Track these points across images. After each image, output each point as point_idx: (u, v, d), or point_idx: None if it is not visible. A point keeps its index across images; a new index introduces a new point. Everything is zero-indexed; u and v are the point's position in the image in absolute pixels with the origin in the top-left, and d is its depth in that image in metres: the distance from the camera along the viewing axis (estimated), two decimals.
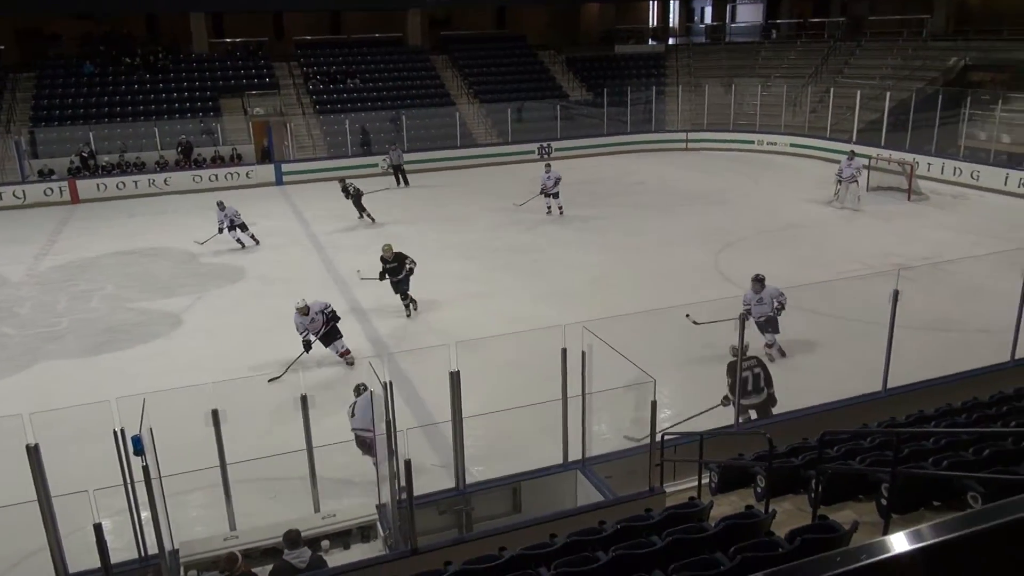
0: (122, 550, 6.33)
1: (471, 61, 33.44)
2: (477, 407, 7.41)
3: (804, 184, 22.96)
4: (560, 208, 20.13)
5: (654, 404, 6.67)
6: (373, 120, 29.08)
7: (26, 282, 16.37)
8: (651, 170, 26.22)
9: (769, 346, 11.03)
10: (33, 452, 5.79)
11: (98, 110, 27.80)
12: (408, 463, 5.66)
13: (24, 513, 6.41)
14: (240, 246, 18.25)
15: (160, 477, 6.27)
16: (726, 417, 8.46)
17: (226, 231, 18.16)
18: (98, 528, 5.02)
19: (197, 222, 20.54)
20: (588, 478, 7.16)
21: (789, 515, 6.08)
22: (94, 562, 6.05)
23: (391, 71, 32.37)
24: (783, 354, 11.11)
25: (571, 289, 14.53)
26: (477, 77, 32.68)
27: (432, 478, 7.46)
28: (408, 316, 13.52)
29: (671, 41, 39.14)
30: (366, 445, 8.20)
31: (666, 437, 7.33)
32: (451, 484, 7.18)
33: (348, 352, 11.65)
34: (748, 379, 8.68)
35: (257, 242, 18.57)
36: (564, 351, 7.19)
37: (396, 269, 13.24)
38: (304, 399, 6.93)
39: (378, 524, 6.73)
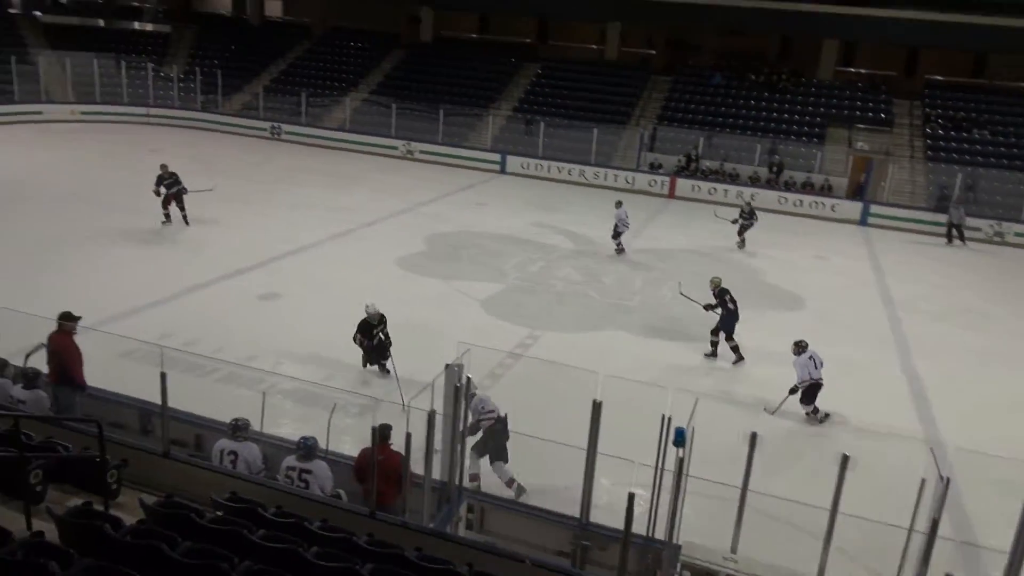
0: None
1: None
2: None
3: None
4: None
5: None
6: (989, 178, 25.69)
7: (616, 257, 18.77)
8: None
9: None
10: (596, 408, 6.58)
11: (713, 118, 30.15)
12: None
13: (570, 453, 7.44)
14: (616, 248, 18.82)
15: (687, 474, 6.58)
16: None
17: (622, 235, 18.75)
18: (631, 497, 5.47)
19: (771, 240, 20.98)
20: None
21: None
22: (606, 520, 6.73)
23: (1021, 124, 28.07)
24: None
25: None
26: None
27: None
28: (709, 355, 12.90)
29: None
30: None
31: None
32: None
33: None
34: None
35: (621, 251, 18.75)
36: None
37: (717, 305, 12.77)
38: (844, 459, 6.47)
39: None
